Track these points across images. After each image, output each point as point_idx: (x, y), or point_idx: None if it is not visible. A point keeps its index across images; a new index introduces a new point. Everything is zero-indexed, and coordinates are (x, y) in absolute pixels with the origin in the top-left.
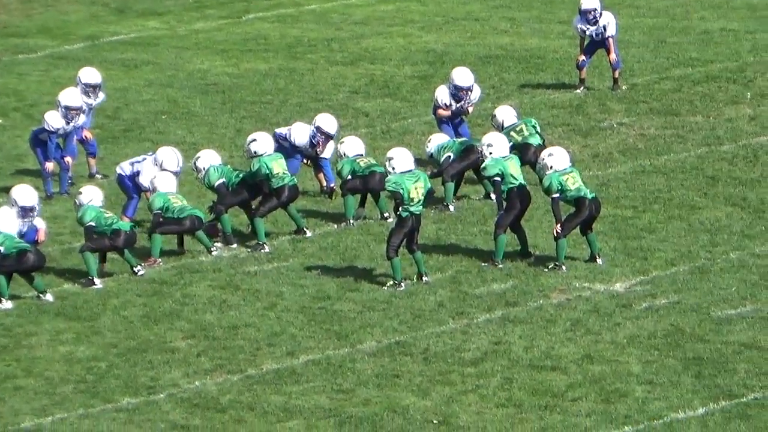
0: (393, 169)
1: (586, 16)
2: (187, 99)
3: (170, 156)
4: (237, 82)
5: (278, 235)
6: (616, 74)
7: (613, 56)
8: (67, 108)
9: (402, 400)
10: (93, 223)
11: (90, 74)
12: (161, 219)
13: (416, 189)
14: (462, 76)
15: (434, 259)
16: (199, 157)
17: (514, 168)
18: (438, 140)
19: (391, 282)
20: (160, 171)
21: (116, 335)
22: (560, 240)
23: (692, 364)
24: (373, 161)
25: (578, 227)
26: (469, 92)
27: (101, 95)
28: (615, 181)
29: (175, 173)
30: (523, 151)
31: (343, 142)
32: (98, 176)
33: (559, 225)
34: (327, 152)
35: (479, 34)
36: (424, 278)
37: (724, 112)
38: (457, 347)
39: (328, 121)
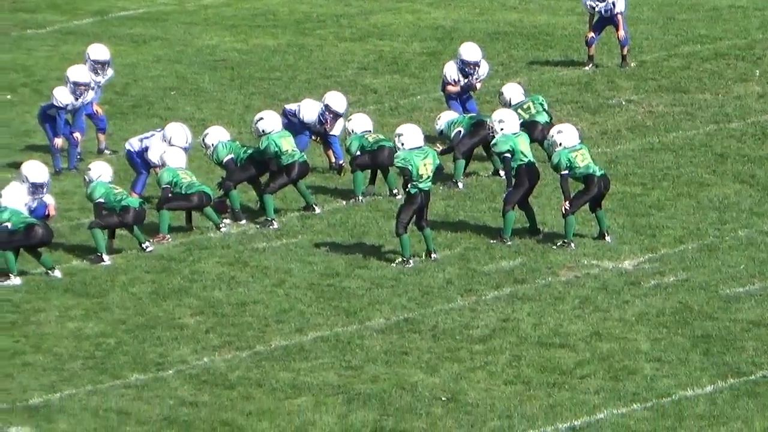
0: (402, 145)
1: None
2: (195, 75)
3: (179, 132)
4: (246, 58)
5: (287, 212)
6: (625, 51)
7: (621, 33)
8: (76, 84)
9: (410, 377)
10: (102, 200)
11: (99, 51)
12: (170, 195)
13: (425, 165)
14: (470, 50)
15: (443, 236)
16: (207, 134)
17: (524, 145)
18: (447, 117)
19: (400, 259)
20: (169, 146)
21: (125, 312)
22: (569, 217)
23: (700, 342)
24: (381, 136)
25: (587, 204)
26: (477, 67)
27: (110, 72)
28: (623, 158)
29: (184, 149)
30: (530, 128)
31: (351, 119)
32: (107, 152)
33: (567, 202)
34: (336, 129)
35: (488, 11)
36: (433, 255)
37: (733, 90)
38: (466, 324)
39: (337, 99)
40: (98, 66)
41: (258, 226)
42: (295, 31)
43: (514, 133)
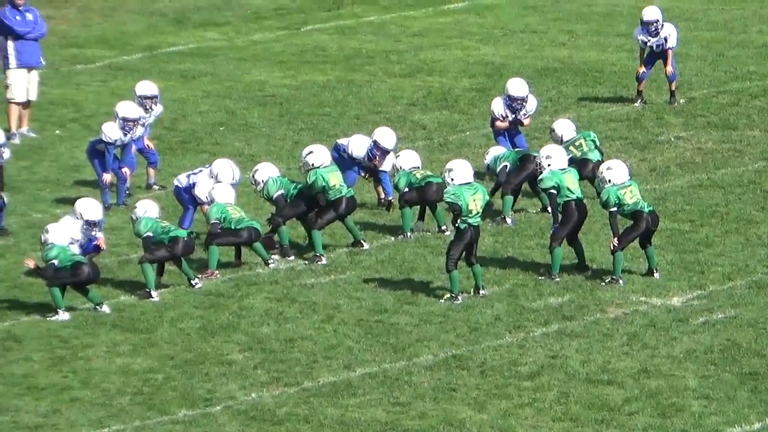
0: (452, 180)
1: (647, 27)
2: (244, 110)
3: (226, 168)
4: (295, 93)
5: (335, 248)
6: (673, 86)
7: (669, 68)
8: (125, 119)
9: (458, 414)
10: (150, 233)
11: (145, 86)
12: (218, 230)
13: (474, 201)
14: (516, 86)
15: (491, 272)
16: (257, 170)
17: (571, 181)
18: (495, 152)
19: (449, 295)
20: (216, 183)
21: (173, 347)
22: (617, 253)
23: (748, 379)
24: (429, 173)
25: (636, 241)
26: (524, 102)
27: (159, 107)
28: (672, 194)
29: (232, 185)
30: (581, 166)
31: (399, 155)
32: (155, 187)
33: (616, 239)
34: (386, 165)
35: (537, 47)
36: (481, 291)
37: None
38: (514, 361)
39: (386, 136)
40: (146, 101)
41: (306, 262)
42: (345, 67)
43: (562, 170)
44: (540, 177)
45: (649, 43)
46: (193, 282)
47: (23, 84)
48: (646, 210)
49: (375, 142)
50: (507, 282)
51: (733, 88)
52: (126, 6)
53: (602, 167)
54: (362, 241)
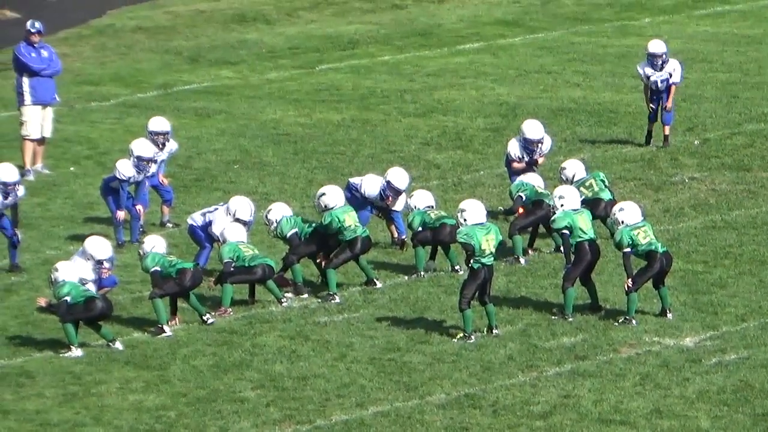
0: (465, 220)
1: (653, 60)
2: (259, 148)
3: (243, 205)
4: (309, 132)
5: (349, 286)
6: (666, 131)
7: (669, 104)
8: (140, 158)
9: None
10: (158, 268)
11: (156, 122)
12: (232, 268)
13: (487, 241)
14: (532, 128)
15: (504, 311)
16: (270, 210)
17: (583, 221)
18: (519, 180)
19: (462, 334)
20: (232, 221)
21: (185, 384)
22: (632, 294)
23: (761, 420)
24: (444, 213)
25: (651, 281)
26: (540, 144)
27: (173, 144)
28: (686, 235)
29: (248, 223)
30: (593, 205)
31: (413, 195)
32: (169, 225)
33: (630, 279)
34: (398, 205)
35: (552, 87)
36: (494, 331)
37: None
38: (527, 400)
39: (398, 176)
40: (158, 137)
41: (320, 300)
42: (359, 106)
43: (575, 210)
44: (553, 217)
45: (652, 78)
46: (204, 318)
47: (38, 121)
48: (660, 251)
49: (388, 182)
50: (520, 321)
51: (748, 130)
52: (141, 44)
53: (615, 208)
54: (375, 280)
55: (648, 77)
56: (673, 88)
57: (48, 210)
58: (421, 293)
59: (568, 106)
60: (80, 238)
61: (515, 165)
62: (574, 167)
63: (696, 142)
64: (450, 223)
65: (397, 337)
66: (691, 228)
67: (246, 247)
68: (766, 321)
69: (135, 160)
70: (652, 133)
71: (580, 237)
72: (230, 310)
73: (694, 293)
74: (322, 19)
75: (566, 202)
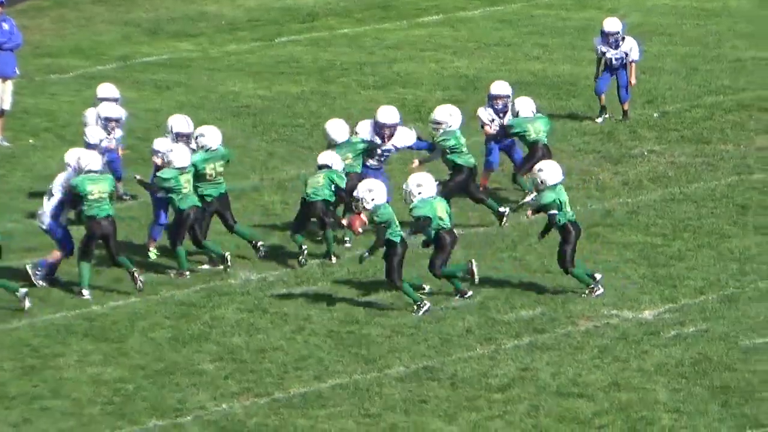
0: (419, 194)
1: (607, 38)
2: (218, 121)
3: (180, 119)
4: (269, 104)
5: (307, 259)
6: (625, 106)
7: (633, 80)
8: (107, 119)
9: (429, 426)
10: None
11: (107, 89)
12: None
13: (442, 209)
14: (498, 85)
15: (463, 284)
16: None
17: (441, 209)
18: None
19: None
20: (172, 139)
21: (144, 357)
22: (572, 271)
23: (720, 393)
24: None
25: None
26: (508, 102)
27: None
28: (645, 208)
29: (188, 135)
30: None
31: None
32: (126, 197)
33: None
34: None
35: (511, 60)
36: (468, 294)
37: (755, 141)
38: (485, 373)
39: (384, 113)
40: (110, 123)
41: (279, 272)
42: (319, 79)
43: (433, 197)
44: (411, 206)
45: (608, 54)
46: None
47: None
48: (572, 219)
49: (376, 121)
50: (478, 294)
51: (707, 103)
52: (101, 16)
53: (535, 168)
54: (333, 254)
55: (603, 53)
56: (633, 65)
57: (7, 182)
58: (380, 266)
59: (527, 79)
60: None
61: (487, 129)
62: (522, 104)
63: (655, 115)
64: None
65: (356, 309)
66: (650, 201)
67: (186, 180)
68: (725, 294)
69: (102, 121)
70: (606, 108)
71: (439, 225)
72: (187, 273)
73: (653, 266)
74: None
75: (424, 190)
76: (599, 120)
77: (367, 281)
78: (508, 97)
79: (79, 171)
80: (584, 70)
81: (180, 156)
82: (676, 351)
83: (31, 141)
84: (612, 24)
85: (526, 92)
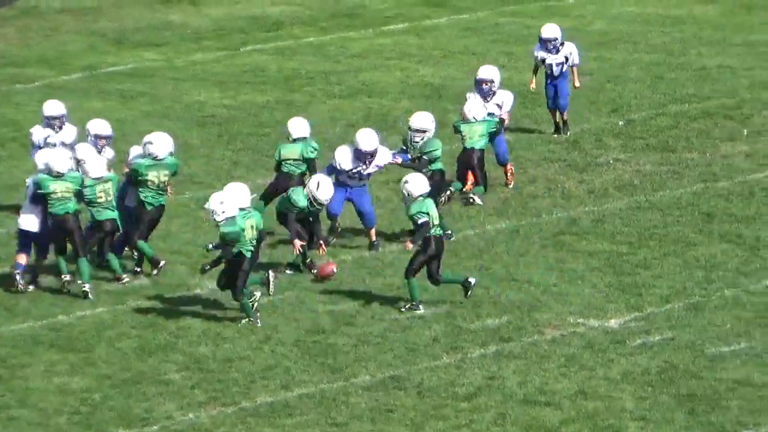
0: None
1: (546, 44)
2: (184, 131)
3: (100, 122)
4: (234, 114)
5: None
6: (565, 116)
7: (577, 83)
8: (97, 136)
9: None
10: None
11: (51, 106)
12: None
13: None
14: (365, 139)
15: (429, 293)
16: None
17: (433, 209)
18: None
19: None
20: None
21: (110, 367)
22: (411, 279)
23: (686, 401)
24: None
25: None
26: (371, 158)
27: (70, 129)
28: (611, 216)
29: (107, 137)
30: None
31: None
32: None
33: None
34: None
35: (476, 68)
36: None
37: (721, 149)
38: (451, 382)
39: (363, 138)
40: (54, 122)
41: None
42: (284, 88)
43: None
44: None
45: (547, 60)
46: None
47: None
48: (438, 233)
49: (356, 148)
50: (445, 303)
51: (672, 111)
52: (66, 26)
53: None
54: (300, 265)
55: (543, 60)
56: (574, 69)
57: None
58: (345, 276)
59: None
60: (5, 220)
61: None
62: (472, 107)
63: (620, 123)
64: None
65: (322, 319)
66: (615, 209)
67: (101, 190)
68: (691, 302)
69: (93, 138)
70: (560, 124)
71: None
72: (125, 277)
73: (619, 274)
74: (247, 0)
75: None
76: (555, 136)
77: (333, 291)
78: (493, 81)
79: (48, 171)
80: None
81: (95, 166)
82: (642, 359)
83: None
84: (550, 30)
85: None
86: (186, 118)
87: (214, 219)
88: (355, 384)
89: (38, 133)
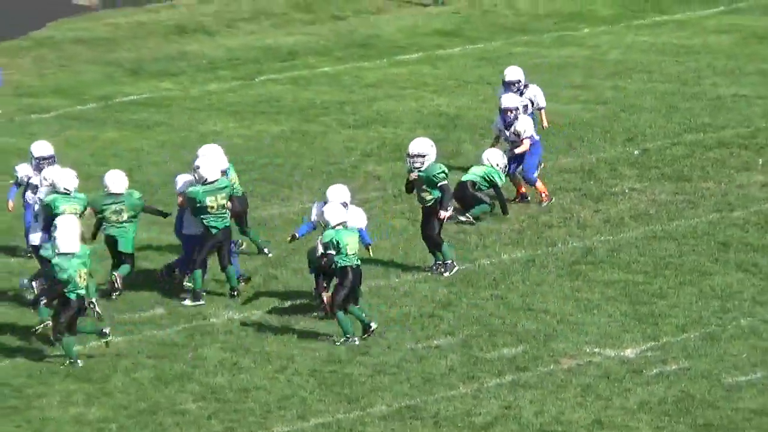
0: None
1: (510, 87)
2: None
3: (42, 145)
4: (249, 143)
5: (290, 299)
6: (522, 188)
7: (545, 124)
8: (40, 158)
9: None
10: None
11: (39, 147)
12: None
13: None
14: (512, 71)
15: (445, 322)
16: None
17: (347, 239)
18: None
19: (343, 338)
20: (34, 170)
21: (127, 397)
22: (338, 315)
23: (702, 431)
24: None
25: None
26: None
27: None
28: (626, 246)
29: (49, 158)
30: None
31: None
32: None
33: (328, 302)
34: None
35: (491, 98)
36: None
37: (736, 179)
38: (468, 412)
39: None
40: (43, 162)
41: (262, 312)
42: (299, 118)
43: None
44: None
45: (501, 136)
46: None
47: None
48: (355, 264)
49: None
50: (461, 332)
51: (687, 140)
52: (81, 56)
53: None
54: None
55: (499, 132)
56: (542, 112)
57: None
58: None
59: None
60: (20, 250)
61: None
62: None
63: (636, 153)
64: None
65: (338, 349)
66: (631, 238)
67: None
68: (707, 331)
69: (35, 161)
70: (526, 194)
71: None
72: (48, 321)
73: (635, 304)
74: (262, 31)
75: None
76: (518, 200)
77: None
78: (520, 81)
79: (54, 190)
80: (564, 107)
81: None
82: (659, 389)
83: (11, 182)
84: (513, 73)
85: None
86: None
87: None
88: (371, 414)
89: (23, 170)
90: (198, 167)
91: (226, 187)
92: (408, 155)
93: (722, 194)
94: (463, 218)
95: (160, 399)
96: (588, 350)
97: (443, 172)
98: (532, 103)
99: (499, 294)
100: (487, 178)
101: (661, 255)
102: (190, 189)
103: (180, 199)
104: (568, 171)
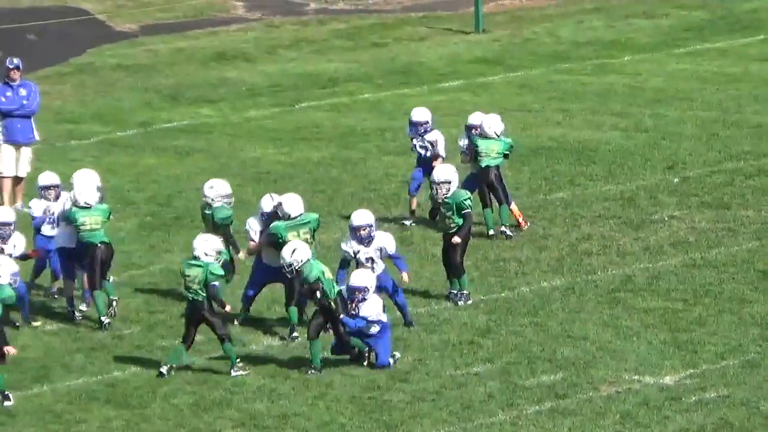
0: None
1: (416, 128)
2: (239, 187)
3: (47, 176)
4: (289, 170)
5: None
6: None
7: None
8: (45, 187)
9: None
10: None
11: (45, 177)
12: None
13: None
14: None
15: (484, 349)
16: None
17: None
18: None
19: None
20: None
21: (165, 423)
22: (312, 342)
23: None
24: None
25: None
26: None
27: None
28: (666, 274)
29: (54, 186)
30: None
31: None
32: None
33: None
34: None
35: (532, 126)
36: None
37: None
38: None
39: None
40: (48, 192)
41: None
42: (339, 144)
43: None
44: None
45: (417, 144)
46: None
47: (11, 160)
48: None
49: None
50: (500, 360)
51: (728, 168)
52: (121, 82)
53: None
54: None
55: (414, 146)
56: (440, 160)
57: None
58: (401, 332)
59: (548, 145)
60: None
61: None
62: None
63: (675, 180)
64: None
65: (378, 375)
66: (670, 266)
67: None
68: (746, 359)
69: (40, 190)
70: (415, 212)
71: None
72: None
73: (674, 331)
74: (302, 57)
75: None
76: (407, 222)
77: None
78: (428, 122)
79: (74, 203)
80: (605, 135)
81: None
82: (698, 416)
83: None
84: (420, 114)
85: (546, 158)
86: (241, 174)
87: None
88: None
89: (37, 206)
90: (281, 203)
91: (308, 222)
92: (434, 182)
93: (762, 222)
94: (507, 230)
95: (199, 425)
96: (627, 377)
97: (469, 198)
98: (433, 147)
99: (539, 321)
100: (506, 153)
101: (701, 282)
102: (273, 224)
103: (252, 244)
104: (609, 199)
